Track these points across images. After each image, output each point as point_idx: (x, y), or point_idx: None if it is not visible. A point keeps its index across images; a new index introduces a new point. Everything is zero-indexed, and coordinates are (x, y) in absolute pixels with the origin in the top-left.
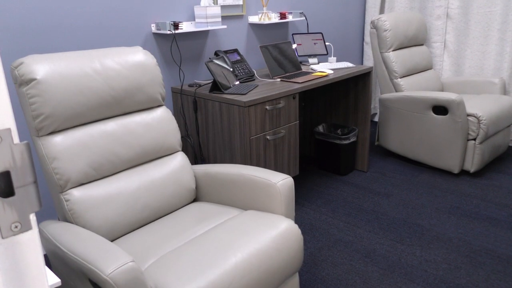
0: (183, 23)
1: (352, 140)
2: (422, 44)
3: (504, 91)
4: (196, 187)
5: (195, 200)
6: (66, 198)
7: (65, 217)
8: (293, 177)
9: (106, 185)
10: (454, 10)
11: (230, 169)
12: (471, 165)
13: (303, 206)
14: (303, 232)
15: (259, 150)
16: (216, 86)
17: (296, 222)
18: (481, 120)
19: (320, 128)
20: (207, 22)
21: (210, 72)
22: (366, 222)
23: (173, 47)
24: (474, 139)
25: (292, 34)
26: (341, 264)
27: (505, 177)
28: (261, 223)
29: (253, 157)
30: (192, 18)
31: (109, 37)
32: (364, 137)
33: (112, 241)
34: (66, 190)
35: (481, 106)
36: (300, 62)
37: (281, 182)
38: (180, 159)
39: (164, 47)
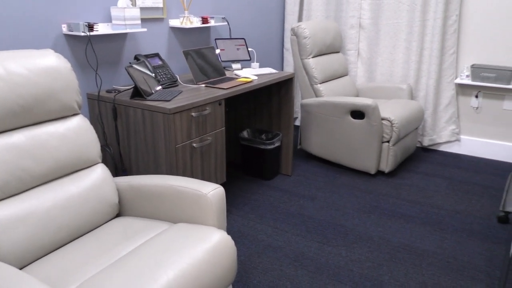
0: (99, 24)
1: (276, 144)
2: (338, 52)
3: (411, 96)
4: (119, 201)
5: (118, 215)
6: None
7: None
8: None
9: (14, 205)
10: (366, 20)
11: (157, 180)
12: (386, 166)
13: (231, 213)
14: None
15: (186, 158)
16: (137, 92)
17: None
18: (394, 124)
19: (245, 134)
20: (125, 24)
21: (131, 78)
22: (293, 225)
23: (88, 50)
24: (388, 141)
25: (215, 39)
26: (271, 270)
27: (414, 176)
28: (193, 237)
29: (180, 166)
30: (108, 19)
31: (10, 38)
32: (287, 142)
33: (22, 268)
34: None
35: (393, 111)
36: (224, 68)
37: (212, 192)
38: (100, 172)
39: (78, 50)
